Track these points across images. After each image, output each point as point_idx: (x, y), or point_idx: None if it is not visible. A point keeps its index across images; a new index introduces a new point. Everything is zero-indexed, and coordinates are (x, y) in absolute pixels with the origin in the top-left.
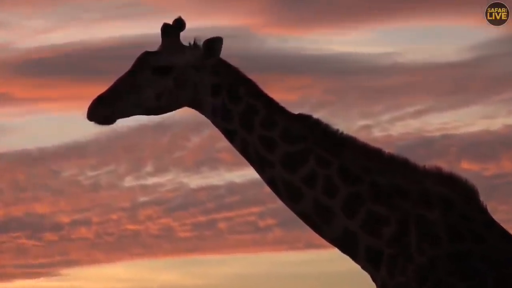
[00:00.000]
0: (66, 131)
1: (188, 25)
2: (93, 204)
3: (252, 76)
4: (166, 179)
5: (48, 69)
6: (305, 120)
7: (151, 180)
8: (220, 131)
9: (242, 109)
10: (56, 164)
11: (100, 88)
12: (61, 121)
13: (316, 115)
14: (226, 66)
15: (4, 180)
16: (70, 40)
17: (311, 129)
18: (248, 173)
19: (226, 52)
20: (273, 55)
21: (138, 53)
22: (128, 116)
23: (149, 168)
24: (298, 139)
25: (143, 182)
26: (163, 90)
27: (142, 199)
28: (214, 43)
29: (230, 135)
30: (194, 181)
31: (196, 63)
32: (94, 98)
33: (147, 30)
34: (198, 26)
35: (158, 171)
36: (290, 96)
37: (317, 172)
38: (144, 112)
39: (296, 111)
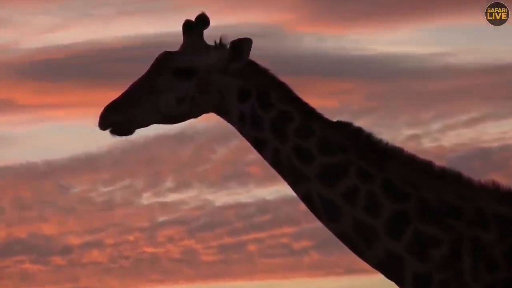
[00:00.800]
0: (76, 142)
1: (212, 22)
2: (107, 224)
3: (285, 79)
4: (189, 196)
5: (56, 72)
6: (345, 128)
7: (171, 197)
8: (248, 141)
9: (274, 116)
10: (64, 179)
11: (115, 94)
12: (71, 130)
13: (357, 123)
14: (255, 68)
15: (6, 197)
16: (80, 40)
17: (352, 138)
18: (281, 189)
19: (256, 53)
20: (309, 56)
21: (158, 53)
22: (146, 125)
23: (169, 183)
24: (337, 150)
25: (162, 199)
26: (185, 95)
27: (162, 218)
28: (242, 45)
29: (260, 145)
30: (220, 198)
31: (221, 65)
32: (107, 105)
33: (167, 28)
34: (224, 23)
35: (179, 186)
36: (328, 102)
37: (358, 187)
38: (163, 119)
39: (335, 118)
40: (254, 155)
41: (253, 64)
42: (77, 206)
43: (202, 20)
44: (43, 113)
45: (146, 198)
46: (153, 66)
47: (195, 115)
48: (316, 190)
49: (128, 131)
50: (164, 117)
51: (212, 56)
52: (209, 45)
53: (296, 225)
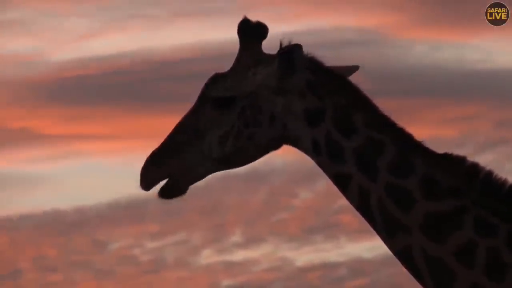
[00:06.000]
0: (116, 184)
1: (296, 25)
2: None
3: (388, 101)
4: (261, 254)
5: (91, 92)
6: (457, 164)
7: (239, 255)
8: (329, 176)
9: (359, 145)
10: (101, 232)
11: (169, 122)
12: (109, 169)
13: (484, 158)
14: (329, 78)
15: (24, 256)
16: (124, 49)
17: (467, 178)
18: (380, 245)
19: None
20: (419, 70)
21: (229, 67)
22: (199, 178)
23: (236, 237)
24: (447, 193)
25: (227, 257)
26: (227, 131)
27: (226, 282)
28: (290, 55)
29: (342, 182)
30: (302, 256)
31: (271, 84)
32: (148, 157)
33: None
34: (310, 27)
35: (249, 241)
36: (444, 131)
37: (476, 243)
38: (217, 166)
39: (453, 151)
40: (346, 200)
41: (326, 73)
42: (116, 267)
43: (258, 30)
44: (74, 146)
45: (206, 257)
46: (199, 96)
47: (248, 156)
48: (419, 246)
49: (179, 191)
50: (216, 161)
51: (260, 74)
52: (265, 58)
53: None
